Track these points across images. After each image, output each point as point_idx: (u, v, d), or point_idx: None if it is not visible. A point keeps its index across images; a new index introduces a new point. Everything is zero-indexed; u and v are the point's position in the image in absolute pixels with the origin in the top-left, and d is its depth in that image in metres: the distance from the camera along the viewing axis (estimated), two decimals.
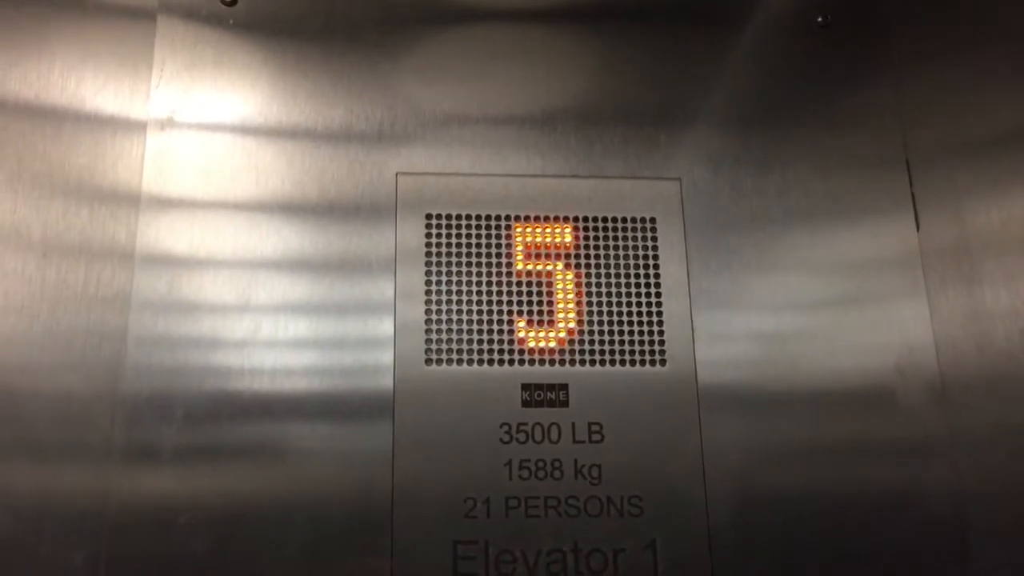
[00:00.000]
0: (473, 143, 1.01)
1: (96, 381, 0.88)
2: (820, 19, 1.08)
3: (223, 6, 1.00)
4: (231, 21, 1.00)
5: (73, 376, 0.87)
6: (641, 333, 0.96)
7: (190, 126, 0.97)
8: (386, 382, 0.92)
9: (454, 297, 0.95)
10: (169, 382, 0.89)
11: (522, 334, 0.95)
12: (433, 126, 1.01)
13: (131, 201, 0.93)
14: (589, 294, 0.97)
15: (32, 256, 0.89)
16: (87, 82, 0.95)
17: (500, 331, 0.95)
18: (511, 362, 0.94)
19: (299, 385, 0.91)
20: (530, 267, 0.97)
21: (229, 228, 0.94)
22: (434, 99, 1.01)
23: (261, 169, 0.97)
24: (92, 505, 0.85)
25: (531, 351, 0.95)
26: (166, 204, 0.94)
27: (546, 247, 0.98)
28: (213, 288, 0.92)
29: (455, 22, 1.04)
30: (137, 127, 0.96)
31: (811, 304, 1.00)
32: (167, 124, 0.97)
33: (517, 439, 0.92)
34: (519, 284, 0.97)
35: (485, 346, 0.94)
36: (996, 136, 1.04)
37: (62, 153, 0.93)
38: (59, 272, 0.89)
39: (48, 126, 0.93)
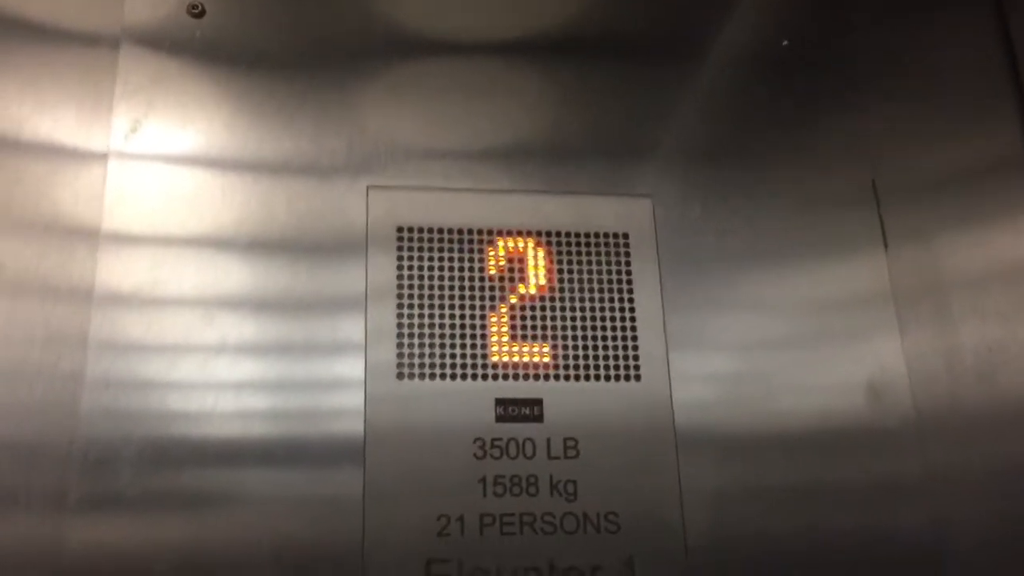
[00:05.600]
0: (444, 159, 1.00)
1: (51, 423, 0.83)
2: (785, 42, 1.10)
3: (191, 18, 0.98)
4: (198, 33, 0.98)
5: (27, 418, 0.82)
6: (616, 348, 0.96)
7: (153, 157, 0.94)
8: (357, 391, 0.90)
9: (426, 311, 0.94)
10: (128, 425, 0.84)
11: (496, 348, 0.94)
12: (405, 141, 0.99)
13: (90, 235, 0.89)
14: (563, 308, 0.96)
15: None
16: (45, 111, 0.91)
17: (474, 345, 0.93)
18: (485, 377, 0.93)
19: (267, 384, 0.89)
20: (504, 281, 0.96)
21: (191, 253, 0.91)
22: (406, 117, 1.00)
23: (227, 188, 0.94)
24: (45, 553, 0.80)
25: (505, 366, 0.93)
26: (125, 237, 0.90)
27: (520, 261, 0.97)
28: (173, 320, 0.89)
29: (426, 50, 1.04)
30: (97, 158, 0.92)
31: (791, 309, 1.00)
32: (128, 155, 0.93)
33: (491, 455, 0.90)
34: (492, 299, 0.95)
35: (458, 360, 0.93)
36: (965, 169, 1.06)
37: (17, 183, 0.88)
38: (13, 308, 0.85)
39: (2, 156, 0.89)
